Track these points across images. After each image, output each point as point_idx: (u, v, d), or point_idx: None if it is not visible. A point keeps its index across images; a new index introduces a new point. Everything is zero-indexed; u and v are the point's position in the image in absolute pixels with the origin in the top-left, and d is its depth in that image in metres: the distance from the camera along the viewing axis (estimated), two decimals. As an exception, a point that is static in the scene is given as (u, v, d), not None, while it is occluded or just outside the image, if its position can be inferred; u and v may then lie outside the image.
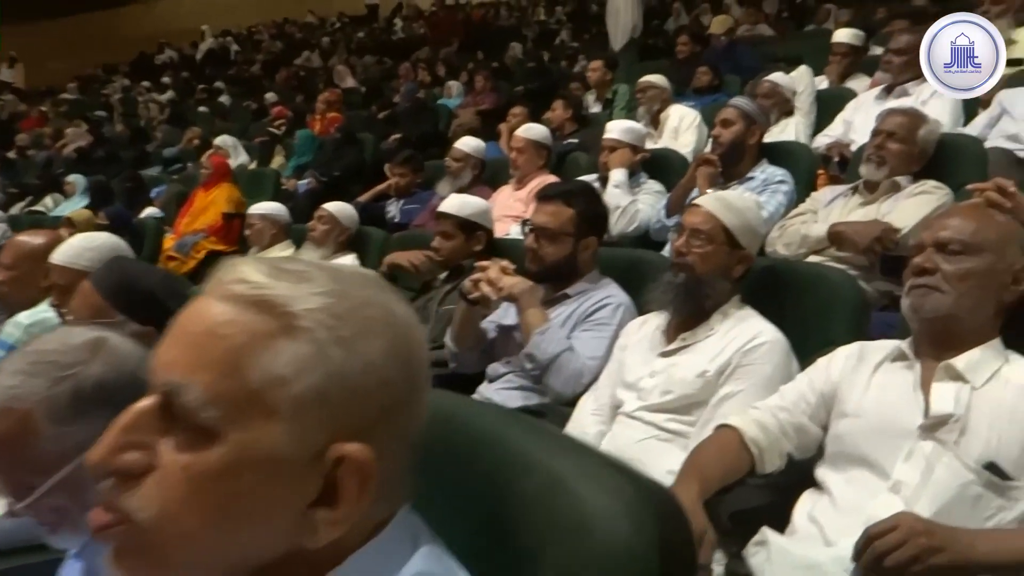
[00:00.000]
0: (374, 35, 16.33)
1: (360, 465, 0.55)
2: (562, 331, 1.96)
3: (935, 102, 3.19)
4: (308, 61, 15.05)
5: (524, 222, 2.22)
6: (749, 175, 2.83)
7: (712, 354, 1.64)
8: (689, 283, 1.70)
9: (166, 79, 14.15)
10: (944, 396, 1.28)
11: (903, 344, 1.40)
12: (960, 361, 1.30)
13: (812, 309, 1.72)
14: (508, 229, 3.45)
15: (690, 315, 1.72)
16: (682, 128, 3.91)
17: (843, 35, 4.40)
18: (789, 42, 6.58)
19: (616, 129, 3.25)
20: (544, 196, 2.11)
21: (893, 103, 3.31)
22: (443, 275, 2.61)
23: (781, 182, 2.74)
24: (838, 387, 1.41)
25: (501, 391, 2.01)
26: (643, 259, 2.16)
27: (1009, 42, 3.65)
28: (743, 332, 1.64)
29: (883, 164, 2.36)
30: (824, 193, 2.53)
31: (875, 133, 2.43)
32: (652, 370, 1.71)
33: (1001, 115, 3.01)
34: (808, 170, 2.88)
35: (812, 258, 2.35)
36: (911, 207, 2.25)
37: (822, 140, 3.43)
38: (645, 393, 1.69)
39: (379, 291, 0.59)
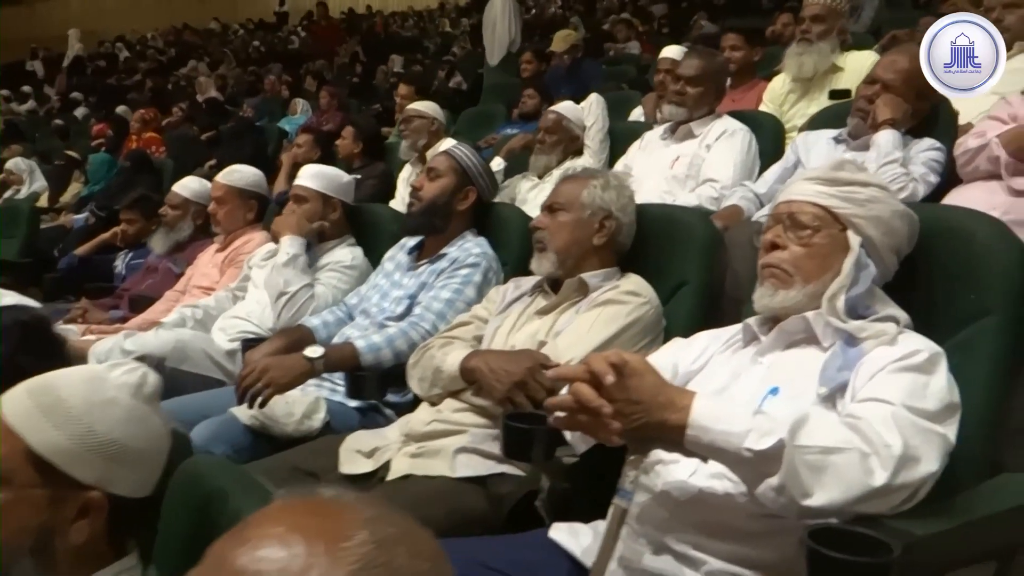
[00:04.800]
0: (271, 44, 15.24)
1: None
2: None
3: (721, 147, 2.43)
4: (194, 71, 13.99)
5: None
6: (442, 251, 1.99)
7: None
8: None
9: (27, 88, 12.88)
10: None
11: None
12: None
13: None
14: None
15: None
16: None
17: (669, 51, 3.64)
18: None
19: (306, 174, 2.40)
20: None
21: (675, 147, 2.56)
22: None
23: (473, 265, 1.91)
24: None
25: None
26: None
27: (835, 69, 2.95)
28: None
29: (545, 251, 1.55)
30: (508, 289, 1.71)
31: (542, 207, 1.62)
32: None
33: (796, 165, 2.26)
34: (521, 245, 2.05)
35: (448, 403, 1.53)
36: (582, 329, 1.44)
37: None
38: None
39: None
